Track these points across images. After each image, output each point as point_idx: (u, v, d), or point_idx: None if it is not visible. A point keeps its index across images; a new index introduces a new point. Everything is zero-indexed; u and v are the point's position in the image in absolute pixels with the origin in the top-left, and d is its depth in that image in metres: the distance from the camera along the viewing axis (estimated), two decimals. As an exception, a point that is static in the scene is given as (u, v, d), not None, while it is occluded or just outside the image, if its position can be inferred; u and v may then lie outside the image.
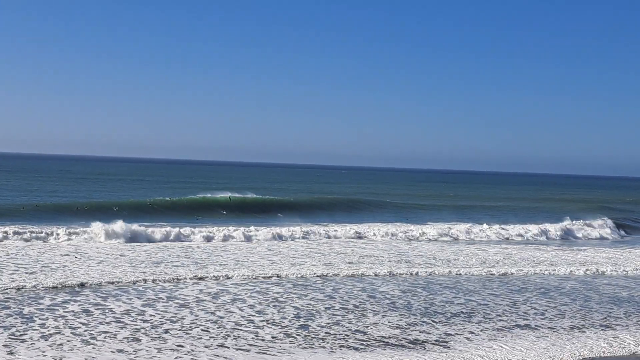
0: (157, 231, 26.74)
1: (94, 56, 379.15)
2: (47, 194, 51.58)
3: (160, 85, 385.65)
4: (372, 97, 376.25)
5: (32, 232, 24.95)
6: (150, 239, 25.96)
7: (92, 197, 49.32)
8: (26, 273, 18.25)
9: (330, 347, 12.31)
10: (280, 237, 28.16)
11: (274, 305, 15.79)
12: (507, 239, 33.15)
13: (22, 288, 16.26)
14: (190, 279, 18.57)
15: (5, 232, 24.37)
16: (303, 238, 28.47)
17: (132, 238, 25.71)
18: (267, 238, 27.81)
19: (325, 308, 15.71)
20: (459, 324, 14.62)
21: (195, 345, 12.13)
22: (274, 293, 17.26)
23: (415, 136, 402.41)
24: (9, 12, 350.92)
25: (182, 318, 14.24)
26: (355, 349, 12.30)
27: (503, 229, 34.43)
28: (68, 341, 12.13)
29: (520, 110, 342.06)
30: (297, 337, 12.96)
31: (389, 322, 14.52)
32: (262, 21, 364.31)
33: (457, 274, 21.18)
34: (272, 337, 12.86)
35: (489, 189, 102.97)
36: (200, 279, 18.66)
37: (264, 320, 14.26)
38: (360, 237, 29.99)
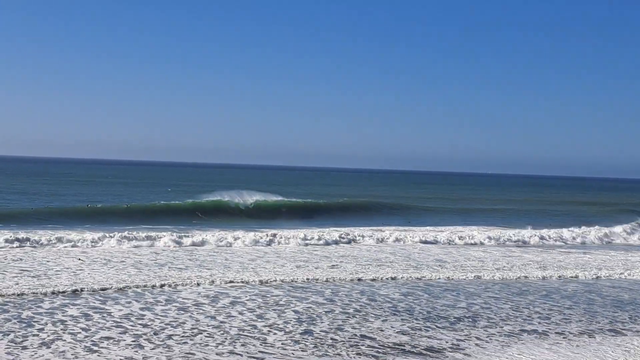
0: (168, 235, 26.38)
1: (94, 56, 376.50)
2: (51, 197, 51.07)
3: (160, 85, 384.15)
4: (372, 98, 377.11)
5: (43, 236, 24.56)
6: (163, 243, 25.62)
7: (97, 199, 48.58)
8: (29, 277, 17.88)
9: (347, 355, 11.96)
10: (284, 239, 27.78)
11: (273, 309, 15.45)
12: (527, 243, 32.42)
13: (23, 293, 15.81)
14: (192, 282, 18.20)
15: (16, 237, 23.73)
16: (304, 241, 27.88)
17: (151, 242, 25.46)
18: (268, 241, 27.40)
19: (326, 312, 15.38)
20: (465, 329, 14.35)
21: (205, 353, 11.74)
22: (273, 296, 16.92)
23: (417, 137, 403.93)
24: (9, 12, 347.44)
25: (183, 323, 13.85)
26: (374, 357, 11.95)
27: (517, 234, 33.76)
28: (71, 348, 11.70)
29: (519, 112, 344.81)
30: (306, 343, 12.61)
31: (392, 326, 14.23)
32: (262, 21, 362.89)
33: (465, 278, 20.87)
34: (282, 344, 12.50)
35: (496, 191, 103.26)
36: (212, 282, 18.33)
37: (266, 325, 13.90)
38: (379, 241, 29.45)
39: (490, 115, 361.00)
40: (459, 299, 17.52)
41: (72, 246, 23.81)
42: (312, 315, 14.99)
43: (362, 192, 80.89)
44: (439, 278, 20.59)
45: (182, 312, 14.83)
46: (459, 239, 31.01)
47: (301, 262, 22.63)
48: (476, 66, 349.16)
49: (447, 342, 13.10)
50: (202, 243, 25.97)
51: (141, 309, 14.93)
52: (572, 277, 22.06)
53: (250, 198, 43.04)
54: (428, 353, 12.30)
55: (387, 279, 20.06)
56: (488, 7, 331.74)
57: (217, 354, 11.74)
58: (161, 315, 14.40)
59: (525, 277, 21.58)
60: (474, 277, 21.05)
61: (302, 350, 12.13)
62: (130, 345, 12.06)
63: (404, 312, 15.69)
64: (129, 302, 15.48)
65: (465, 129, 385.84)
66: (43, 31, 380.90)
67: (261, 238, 27.35)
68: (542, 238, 33.23)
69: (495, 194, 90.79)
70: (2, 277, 17.77)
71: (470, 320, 15.21)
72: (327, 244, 27.87)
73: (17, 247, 22.95)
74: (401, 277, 20.32)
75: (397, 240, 29.74)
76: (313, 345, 12.45)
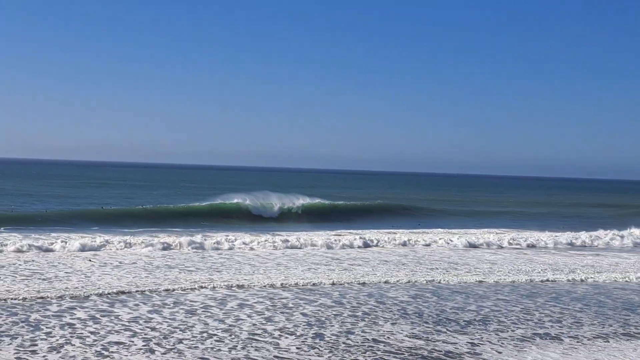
0: (182, 238, 26.12)
1: (94, 56, 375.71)
2: (62, 199, 50.80)
3: (161, 85, 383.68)
4: (372, 99, 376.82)
5: (57, 239, 24.53)
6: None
7: (111, 202, 48.40)
8: (39, 279, 17.76)
9: (365, 361, 11.78)
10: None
11: (281, 312, 15.25)
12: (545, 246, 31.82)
13: (32, 295, 15.64)
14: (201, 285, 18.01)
15: (31, 243, 23.36)
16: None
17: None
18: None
19: (335, 315, 15.19)
20: (476, 332, 14.15)
21: (218, 358, 11.51)
22: (281, 298, 16.72)
23: (416, 139, 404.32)
24: (9, 12, 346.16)
25: (192, 326, 13.63)
26: (394, 363, 11.77)
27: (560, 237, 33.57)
28: (81, 353, 11.46)
29: (520, 113, 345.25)
30: (321, 348, 12.39)
31: (402, 330, 14.03)
32: (263, 21, 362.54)
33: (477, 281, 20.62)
34: (297, 348, 12.29)
35: (502, 193, 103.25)
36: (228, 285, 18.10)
37: (276, 329, 13.69)
38: (390, 244, 29.06)
39: (490, 116, 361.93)
40: (468, 302, 17.33)
41: (86, 249, 23.44)
42: (321, 319, 14.79)
43: (366, 194, 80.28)
44: (448, 280, 20.37)
45: (190, 315, 14.62)
46: (476, 241, 30.60)
47: (312, 265, 22.42)
48: (476, 67, 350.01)
49: (462, 347, 12.90)
50: (217, 246, 25.60)
51: (149, 311, 14.73)
52: (582, 279, 21.86)
53: (272, 201, 42.90)
54: (447, 358, 12.11)
55: (396, 281, 19.83)
56: (488, 8, 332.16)
57: (232, 359, 11.53)
58: (169, 319, 14.20)
59: (548, 280, 21.36)
60: (484, 279, 20.83)
61: (318, 356, 11.89)
62: (141, 349, 11.84)
63: (413, 315, 15.50)
64: (137, 305, 15.27)
65: (464, 129, 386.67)
66: (43, 31, 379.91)
67: (273, 241, 27.02)
68: (557, 241, 32.74)
69: (501, 196, 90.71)
70: (12, 279, 17.63)
71: (481, 323, 15.01)
72: (341, 247, 27.48)
73: (30, 250, 22.59)
74: (411, 280, 20.10)
75: (408, 243, 29.36)
76: (328, 351, 12.21)
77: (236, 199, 42.45)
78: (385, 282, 19.67)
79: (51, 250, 22.84)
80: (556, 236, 33.72)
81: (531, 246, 31.31)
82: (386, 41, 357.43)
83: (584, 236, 34.33)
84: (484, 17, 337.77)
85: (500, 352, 12.65)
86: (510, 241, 31.52)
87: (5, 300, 15.04)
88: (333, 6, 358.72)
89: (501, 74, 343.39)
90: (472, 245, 29.98)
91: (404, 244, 29.13)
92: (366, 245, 28.40)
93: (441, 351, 12.49)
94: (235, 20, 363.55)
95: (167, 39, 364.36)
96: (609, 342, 13.85)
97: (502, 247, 30.22)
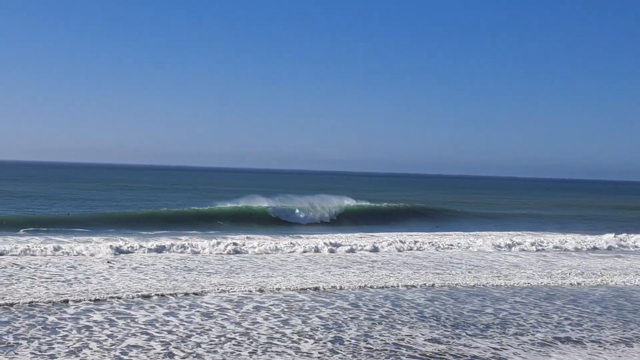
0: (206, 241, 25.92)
1: (94, 56, 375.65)
2: (80, 202, 51.05)
3: (161, 86, 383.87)
4: (373, 100, 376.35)
5: (78, 241, 24.66)
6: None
7: (135, 205, 48.45)
8: (59, 281, 17.63)
9: (393, 367, 11.58)
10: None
11: (298, 315, 15.05)
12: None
13: (50, 298, 15.48)
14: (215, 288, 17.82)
15: (54, 245, 23.15)
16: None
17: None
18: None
19: (351, 318, 14.99)
20: (496, 336, 13.93)
21: (241, 363, 11.34)
22: (296, 301, 16.52)
23: (416, 139, 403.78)
24: (9, 12, 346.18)
25: (209, 329, 13.44)
26: (420, 368, 11.57)
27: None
28: (100, 357, 11.27)
29: (522, 114, 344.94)
30: (343, 353, 12.18)
31: (421, 334, 13.82)
32: (263, 21, 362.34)
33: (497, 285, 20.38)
34: (319, 353, 12.09)
35: (514, 195, 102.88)
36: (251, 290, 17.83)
37: (295, 332, 13.50)
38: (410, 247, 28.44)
39: (490, 116, 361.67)
40: (485, 304, 17.12)
41: (109, 252, 23.01)
42: (338, 322, 14.60)
43: (376, 196, 79.23)
44: (467, 283, 20.12)
45: (206, 317, 14.44)
46: (498, 244, 30.13)
47: (330, 267, 22.22)
48: (476, 67, 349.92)
49: (486, 351, 12.69)
50: (237, 249, 25.20)
51: (166, 314, 14.55)
52: (600, 282, 21.57)
53: (294, 203, 42.69)
54: (473, 364, 11.91)
55: (413, 284, 19.57)
56: (488, 8, 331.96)
57: (255, 364, 11.35)
58: (186, 321, 14.01)
59: (567, 283, 21.09)
60: (504, 282, 20.56)
61: (342, 361, 11.72)
62: (160, 354, 11.64)
63: (431, 319, 15.29)
64: (154, 307, 15.09)
65: (465, 129, 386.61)
66: (43, 31, 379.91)
67: (297, 244, 26.60)
68: (584, 245, 32.13)
69: (515, 198, 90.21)
70: (31, 282, 17.47)
71: (499, 327, 14.80)
72: (361, 250, 27.10)
73: (52, 252, 22.34)
74: (429, 282, 19.85)
75: (429, 245, 28.80)
76: (351, 355, 12.03)
77: (259, 202, 42.14)
78: (404, 285, 19.43)
79: (72, 253, 22.59)
80: (582, 240, 33.13)
81: (556, 248, 30.92)
82: (386, 41, 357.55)
83: (612, 239, 33.67)
84: (484, 17, 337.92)
85: (524, 358, 12.44)
86: (534, 244, 30.98)
87: (23, 302, 14.88)
88: (333, 6, 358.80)
89: (501, 74, 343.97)
90: (495, 248, 29.57)
91: (432, 245, 28.73)
92: (383, 247, 27.91)
93: (467, 356, 12.30)
94: (235, 20, 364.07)
95: (167, 39, 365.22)
96: (632, 347, 13.62)
97: (524, 250, 29.81)
